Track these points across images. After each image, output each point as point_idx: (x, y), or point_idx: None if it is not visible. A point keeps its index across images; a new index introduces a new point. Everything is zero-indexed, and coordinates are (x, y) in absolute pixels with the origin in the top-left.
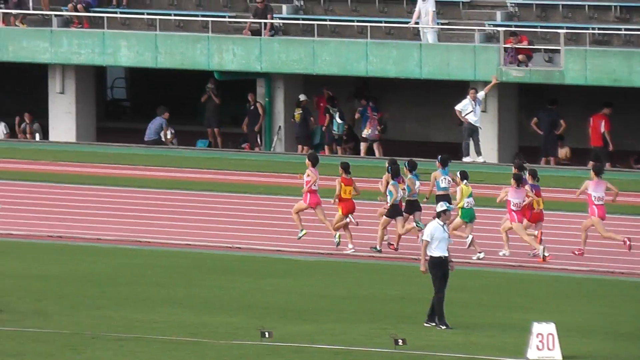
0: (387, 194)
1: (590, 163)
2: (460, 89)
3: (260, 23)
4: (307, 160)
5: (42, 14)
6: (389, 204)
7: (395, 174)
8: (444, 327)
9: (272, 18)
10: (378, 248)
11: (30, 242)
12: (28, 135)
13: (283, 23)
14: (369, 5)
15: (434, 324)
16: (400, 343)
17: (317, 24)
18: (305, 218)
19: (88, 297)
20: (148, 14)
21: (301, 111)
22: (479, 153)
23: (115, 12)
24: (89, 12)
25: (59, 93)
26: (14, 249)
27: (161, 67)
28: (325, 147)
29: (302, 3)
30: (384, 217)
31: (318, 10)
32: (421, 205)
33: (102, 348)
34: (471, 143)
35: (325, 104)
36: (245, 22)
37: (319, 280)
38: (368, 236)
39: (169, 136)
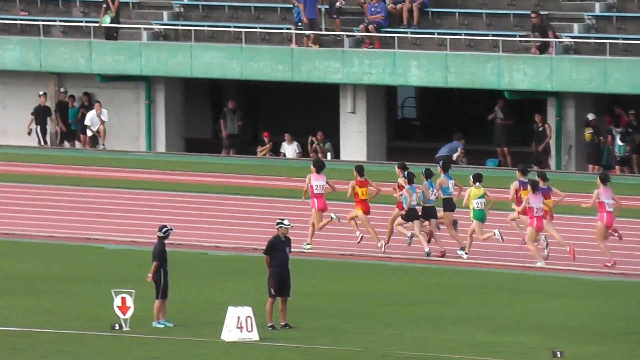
0: (402, 199)
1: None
2: None
3: (547, 42)
4: (312, 167)
5: (333, 35)
6: (405, 209)
7: (411, 180)
8: None
9: (554, 35)
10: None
11: (322, 260)
12: (320, 154)
13: (574, 42)
14: None
15: None
16: None
17: (609, 43)
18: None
19: (379, 316)
20: (438, 33)
21: (591, 130)
22: None
23: (406, 32)
24: (380, 32)
25: (350, 113)
26: (306, 268)
27: (451, 87)
28: (617, 167)
29: (594, 22)
30: (400, 218)
31: (610, 28)
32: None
33: None
34: None
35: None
36: (536, 41)
37: (610, 301)
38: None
39: (458, 154)
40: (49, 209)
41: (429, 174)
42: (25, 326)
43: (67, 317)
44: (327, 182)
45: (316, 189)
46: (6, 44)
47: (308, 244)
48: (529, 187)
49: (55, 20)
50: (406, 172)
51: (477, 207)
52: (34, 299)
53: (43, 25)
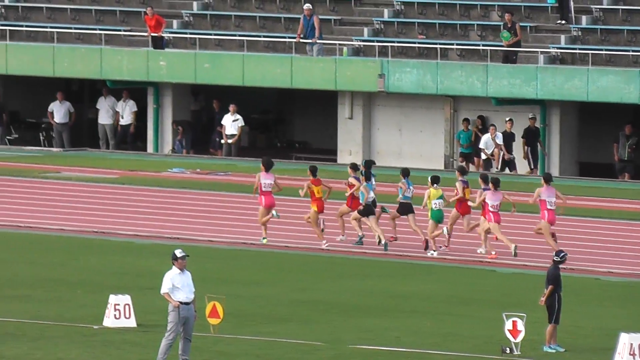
0: (359, 195)
1: None
2: None
3: None
4: (261, 165)
5: None
6: (362, 204)
7: (368, 177)
8: None
9: None
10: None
11: None
12: None
13: None
14: None
15: None
16: None
17: None
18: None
19: None
20: None
21: None
22: None
23: None
24: None
25: None
26: None
27: None
28: None
29: None
30: (356, 213)
31: None
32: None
33: None
34: None
35: None
36: None
37: None
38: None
39: None
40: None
41: (406, 173)
42: (414, 347)
43: (457, 339)
44: (274, 181)
45: (264, 187)
46: (404, 67)
47: (264, 237)
48: (490, 185)
49: (452, 44)
50: (363, 171)
51: (436, 207)
52: (421, 320)
53: (440, 48)
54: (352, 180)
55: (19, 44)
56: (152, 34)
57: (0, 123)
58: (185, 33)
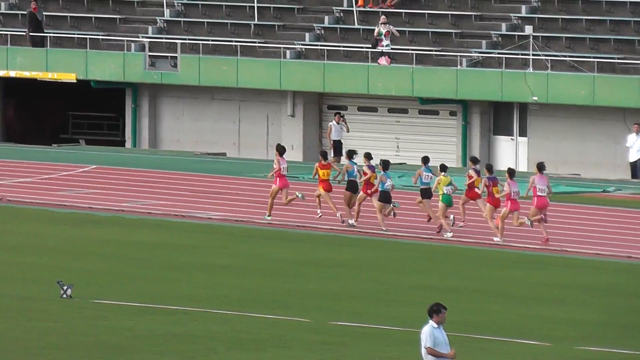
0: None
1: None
2: None
3: None
4: (275, 151)
5: None
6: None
7: (350, 156)
8: None
9: None
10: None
11: None
12: None
13: None
14: None
15: None
16: None
17: None
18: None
19: None
20: None
21: None
22: None
23: None
24: None
25: None
26: None
27: None
28: None
29: None
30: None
31: None
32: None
33: None
34: None
35: None
36: None
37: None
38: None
39: None
40: None
41: (425, 161)
42: None
43: None
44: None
45: (282, 171)
46: None
47: (269, 215)
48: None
49: None
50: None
51: (446, 192)
52: None
53: None
54: (365, 169)
55: None
56: None
57: None
58: None
